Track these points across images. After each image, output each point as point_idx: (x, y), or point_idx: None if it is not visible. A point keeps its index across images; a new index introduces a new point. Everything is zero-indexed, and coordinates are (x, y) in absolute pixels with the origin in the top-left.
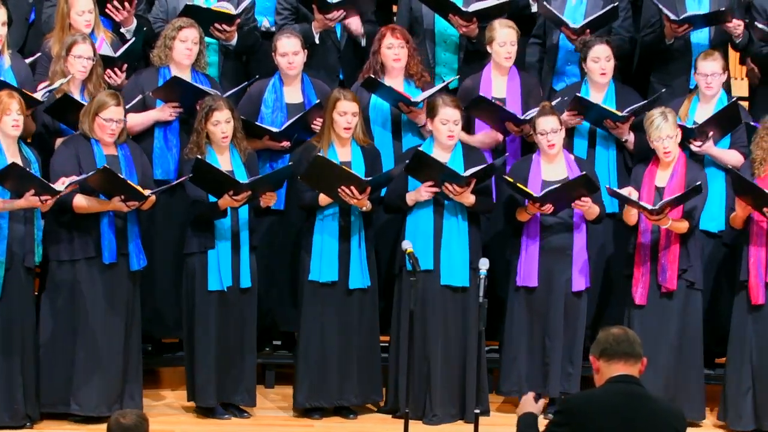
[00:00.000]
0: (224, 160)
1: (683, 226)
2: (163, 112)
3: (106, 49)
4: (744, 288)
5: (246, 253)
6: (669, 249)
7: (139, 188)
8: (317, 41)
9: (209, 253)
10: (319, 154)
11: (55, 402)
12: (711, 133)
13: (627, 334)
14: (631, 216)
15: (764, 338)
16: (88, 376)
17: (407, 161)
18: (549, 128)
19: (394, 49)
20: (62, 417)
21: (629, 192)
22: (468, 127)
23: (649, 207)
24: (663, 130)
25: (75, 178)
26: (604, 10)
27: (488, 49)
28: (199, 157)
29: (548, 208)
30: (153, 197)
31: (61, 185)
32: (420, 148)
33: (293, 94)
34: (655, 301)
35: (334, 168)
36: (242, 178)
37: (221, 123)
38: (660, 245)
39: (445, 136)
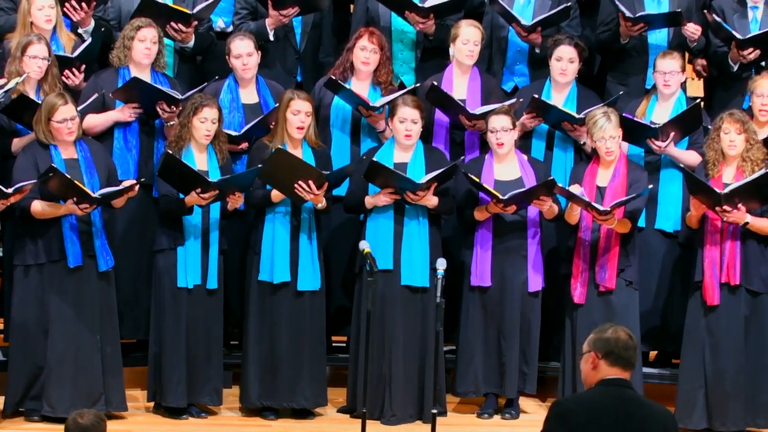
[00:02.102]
0: (201, 160)
1: (627, 226)
2: (123, 112)
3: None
4: (698, 288)
5: (215, 253)
6: (608, 248)
7: (88, 190)
8: (272, 38)
9: (178, 250)
10: (279, 146)
11: (23, 402)
12: (672, 134)
13: (633, 342)
14: (574, 215)
15: (717, 338)
16: (59, 377)
17: (365, 168)
18: (499, 126)
19: (365, 52)
20: (28, 416)
21: (582, 192)
22: (427, 133)
23: (601, 208)
24: (606, 130)
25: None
26: (557, 10)
27: (451, 46)
28: (170, 152)
29: (512, 208)
30: (136, 188)
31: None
32: (380, 151)
33: (249, 95)
34: (593, 300)
35: (294, 161)
36: (215, 178)
37: (208, 120)
38: (599, 245)
39: (403, 135)
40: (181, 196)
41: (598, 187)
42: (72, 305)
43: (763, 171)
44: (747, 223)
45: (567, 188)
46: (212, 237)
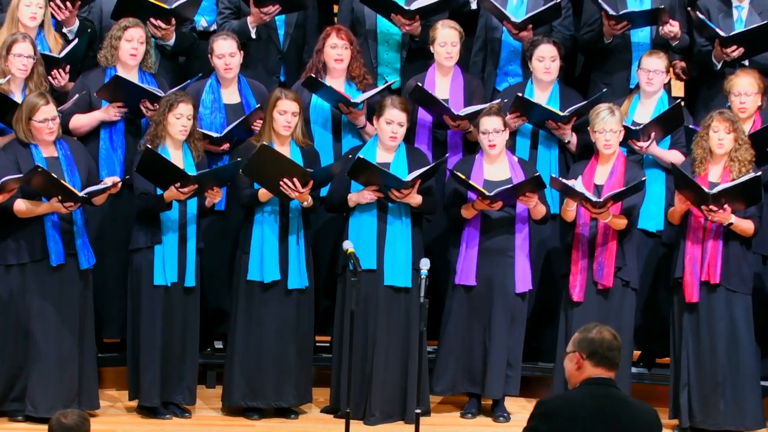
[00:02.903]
0: (176, 157)
1: (622, 222)
2: (108, 112)
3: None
4: (679, 285)
5: (192, 249)
6: (606, 246)
7: (73, 189)
8: (253, 36)
9: (155, 248)
10: (264, 143)
11: (4, 403)
12: (653, 134)
13: (618, 343)
14: (570, 212)
15: (698, 336)
16: (41, 377)
17: (350, 166)
18: (491, 128)
19: (337, 49)
20: (12, 417)
21: (577, 183)
22: (409, 133)
23: (593, 198)
24: (608, 123)
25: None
26: (546, 6)
27: (431, 48)
28: (149, 146)
29: (498, 205)
30: (119, 185)
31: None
32: (362, 151)
33: (231, 95)
34: (591, 298)
35: (278, 158)
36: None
37: (183, 117)
38: (597, 242)
39: (388, 136)
40: (160, 191)
41: (595, 185)
42: (53, 305)
43: (752, 174)
44: (731, 223)
45: (562, 180)
46: (189, 234)
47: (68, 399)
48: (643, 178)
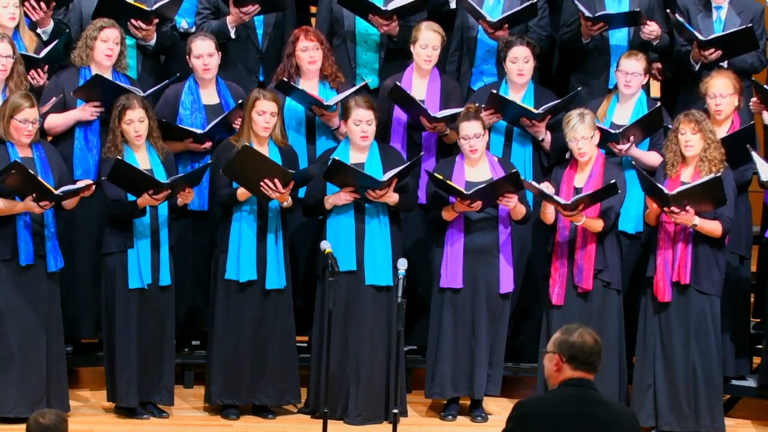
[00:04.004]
0: (142, 159)
1: (597, 224)
2: (84, 111)
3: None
4: (650, 285)
5: (165, 250)
6: (585, 249)
7: (50, 187)
8: (233, 36)
9: (129, 252)
10: (245, 143)
11: None
12: (632, 136)
13: (599, 347)
14: (548, 214)
15: (667, 336)
16: (7, 377)
17: (325, 168)
18: (472, 133)
19: (309, 52)
20: None
21: (546, 186)
22: (384, 132)
23: (563, 201)
24: (578, 131)
25: None
26: (523, 6)
27: (411, 48)
28: (119, 158)
29: (477, 204)
30: (92, 188)
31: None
32: (335, 153)
33: (210, 96)
34: (572, 301)
35: (260, 158)
36: (161, 175)
37: (134, 122)
38: (576, 245)
39: (359, 137)
40: (131, 197)
41: (575, 188)
42: (20, 305)
43: (712, 175)
44: (695, 225)
45: (533, 183)
46: (162, 234)
47: (35, 400)
48: (613, 181)
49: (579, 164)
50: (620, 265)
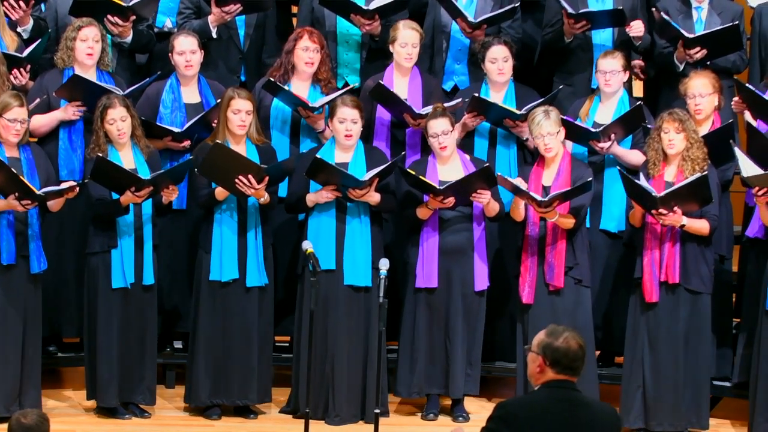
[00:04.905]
0: (126, 158)
1: (569, 221)
2: (67, 111)
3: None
4: (638, 286)
5: (149, 249)
6: (555, 246)
7: (32, 186)
8: (214, 35)
9: (112, 251)
10: (218, 141)
11: None
12: (614, 134)
13: (583, 352)
14: (519, 211)
15: (656, 336)
16: None
17: (307, 165)
18: (440, 130)
19: (309, 52)
20: None
21: (520, 181)
22: (367, 132)
23: (539, 198)
24: (544, 127)
25: None
26: (505, 9)
27: (390, 48)
28: (100, 155)
29: (450, 201)
30: (77, 189)
31: None
32: (321, 152)
33: (191, 95)
34: (543, 300)
35: (231, 155)
36: (145, 174)
37: (117, 121)
38: (546, 242)
39: (343, 135)
40: (115, 196)
41: (543, 186)
42: (0, 304)
43: (697, 174)
44: (683, 225)
45: (508, 178)
46: (145, 233)
47: (9, 399)
48: (590, 179)
49: (546, 162)
50: (589, 262)
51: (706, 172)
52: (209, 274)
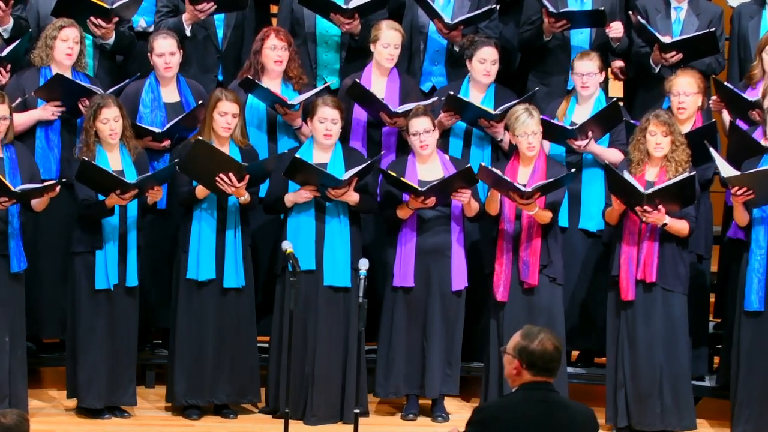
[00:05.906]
0: (114, 159)
1: (547, 215)
2: (45, 111)
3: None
4: (615, 283)
5: (133, 252)
6: (530, 244)
7: (8, 184)
8: (188, 34)
9: (96, 253)
10: (200, 138)
11: None
12: (590, 132)
13: (559, 353)
14: (494, 204)
15: (633, 335)
16: None
17: (286, 165)
18: (422, 129)
19: (277, 51)
20: None
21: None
22: (346, 132)
23: (522, 189)
24: (528, 126)
25: None
26: (482, 10)
27: (371, 47)
28: (85, 159)
29: (431, 201)
30: (57, 188)
31: None
32: (299, 152)
33: (170, 94)
34: (518, 298)
35: (213, 152)
36: (132, 176)
37: (110, 121)
38: (521, 239)
39: (322, 135)
40: (101, 197)
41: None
42: None
43: (686, 174)
44: (665, 224)
45: (491, 168)
46: (130, 235)
47: None
48: (573, 170)
49: (522, 161)
50: (563, 260)
51: (694, 173)
52: (187, 272)
